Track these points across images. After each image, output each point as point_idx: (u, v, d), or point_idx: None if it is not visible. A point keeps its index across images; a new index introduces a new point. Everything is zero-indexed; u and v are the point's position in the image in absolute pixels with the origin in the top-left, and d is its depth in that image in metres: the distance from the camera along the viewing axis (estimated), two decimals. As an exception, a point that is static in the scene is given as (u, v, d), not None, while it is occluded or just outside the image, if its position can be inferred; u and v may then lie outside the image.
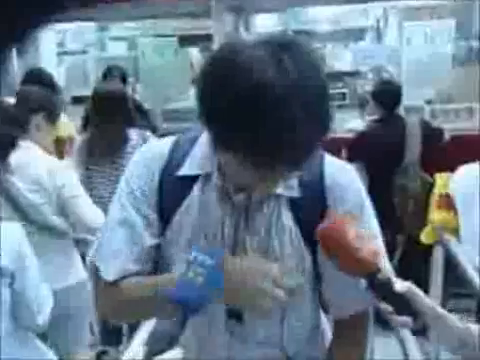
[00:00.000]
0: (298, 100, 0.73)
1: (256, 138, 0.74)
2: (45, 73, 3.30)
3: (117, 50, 5.44)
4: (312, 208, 0.93)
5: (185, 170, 0.95)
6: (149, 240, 0.96)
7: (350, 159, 3.10)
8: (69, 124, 3.16)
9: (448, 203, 2.30)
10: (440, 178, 2.53)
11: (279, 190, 0.93)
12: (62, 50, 5.12)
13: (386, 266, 0.93)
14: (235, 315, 0.96)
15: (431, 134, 3.13)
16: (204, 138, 0.95)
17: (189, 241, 0.95)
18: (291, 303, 0.92)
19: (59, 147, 2.92)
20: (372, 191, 3.10)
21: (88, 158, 2.45)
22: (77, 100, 3.91)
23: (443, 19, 4.34)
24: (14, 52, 4.72)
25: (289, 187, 0.94)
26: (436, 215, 2.45)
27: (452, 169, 2.72)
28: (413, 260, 2.89)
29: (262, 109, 0.73)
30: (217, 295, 0.86)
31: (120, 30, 5.62)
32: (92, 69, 4.51)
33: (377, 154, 3.01)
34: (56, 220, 1.92)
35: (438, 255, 2.39)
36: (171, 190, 0.96)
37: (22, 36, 0.35)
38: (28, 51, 4.80)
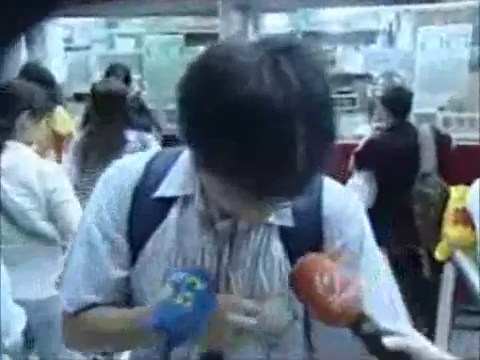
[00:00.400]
0: (299, 116, 0.60)
1: (245, 160, 0.60)
2: (41, 68, 3.23)
3: (125, 47, 5.37)
4: (306, 240, 0.81)
5: (162, 191, 0.83)
6: (115, 271, 0.84)
7: (358, 167, 3.01)
8: (69, 121, 3.10)
9: (464, 218, 2.20)
10: (456, 191, 2.43)
11: (270, 218, 0.80)
12: (68, 46, 5.05)
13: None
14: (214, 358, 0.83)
15: (440, 142, 3.03)
16: (186, 155, 0.83)
17: (163, 272, 0.82)
18: (279, 346, 0.81)
19: (57, 143, 2.85)
20: (383, 200, 3.04)
21: (84, 160, 2.36)
22: (78, 97, 3.84)
23: (458, 23, 4.23)
24: (23, 47, 4.72)
25: (281, 215, 0.81)
26: (451, 231, 2.35)
27: (460, 180, 2.64)
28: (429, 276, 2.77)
29: (255, 125, 0.59)
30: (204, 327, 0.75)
31: (128, 27, 5.56)
32: (96, 66, 4.45)
33: (387, 162, 2.89)
34: (45, 226, 1.82)
35: (449, 272, 2.29)
36: (145, 213, 0.83)
37: (22, 32, 0.35)
38: (35, 46, 4.77)
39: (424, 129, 3.00)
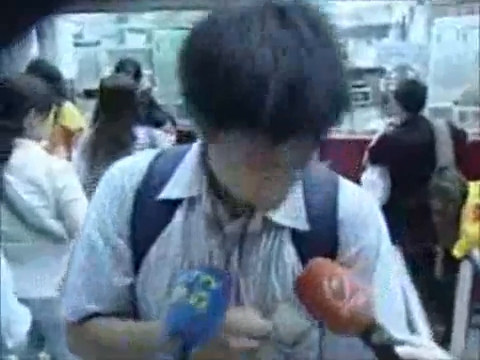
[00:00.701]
0: (312, 59, 0.58)
1: (260, 102, 0.56)
2: (47, 64, 3.22)
3: (136, 42, 5.35)
4: (320, 245, 0.76)
5: (167, 193, 0.77)
6: (118, 279, 0.80)
7: (372, 162, 2.97)
8: (78, 116, 3.08)
9: None
10: (475, 186, 2.37)
11: (281, 219, 0.76)
12: (79, 41, 5.04)
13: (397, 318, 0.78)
14: None
15: (456, 136, 2.97)
16: (190, 156, 0.78)
17: (168, 279, 0.77)
18: (296, 354, 0.77)
19: (67, 139, 2.84)
20: (397, 196, 2.98)
21: (93, 157, 2.33)
22: (89, 93, 3.82)
23: (472, 15, 4.14)
24: (34, 43, 4.72)
25: (294, 217, 0.76)
26: (471, 228, 2.29)
27: (477, 175, 2.58)
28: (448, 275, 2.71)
29: (265, 66, 0.56)
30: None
31: (139, 22, 5.53)
32: (106, 62, 4.43)
33: (401, 158, 2.84)
34: (53, 224, 1.80)
35: (466, 270, 2.24)
36: (148, 216, 0.78)
37: (23, 32, 0.33)
38: (46, 42, 4.77)
39: (439, 124, 2.94)
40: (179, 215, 0.77)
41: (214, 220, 0.76)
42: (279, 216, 0.76)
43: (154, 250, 0.78)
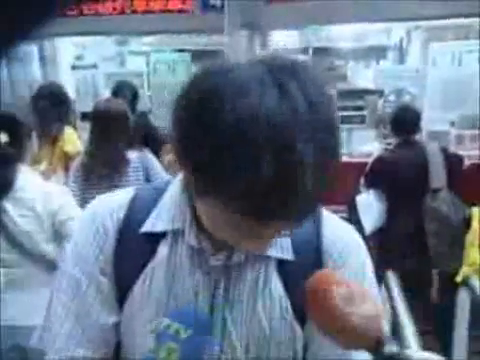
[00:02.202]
0: (304, 137, 0.56)
1: (248, 182, 0.55)
2: (59, 88, 3.24)
3: (136, 65, 5.41)
4: (306, 275, 0.72)
5: (150, 226, 0.76)
6: (104, 317, 0.77)
7: (367, 186, 2.98)
8: (78, 141, 3.09)
9: None
10: (478, 212, 2.36)
11: (267, 250, 0.75)
12: (78, 64, 5.10)
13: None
14: None
15: (450, 160, 2.99)
16: (173, 189, 0.78)
17: (154, 313, 0.75)
18: None
19: (67, 163, 2.85)
20: (394, 219, 2.98)
21: (86, 180, 2.33)
22: (86, 116, 3.84)
23: (469, 40, 4.19)
24: (35, 65, 4.78)
25: (279, 248, 0.75)
26: (477, 256, 2.27)
27: (475, 199, 2.57)
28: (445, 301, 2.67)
29: (257, 143, 0.55)
30: None
31: (138, 45, 5.60)
32: (105, 84, 4.46)
33: (395, 180, 2.86)
34: (48, 250, 1.79)
35: (464, 297, 2.21)
36: (132, 251, 0.76)
37: (23, 36, 0.34)
38: (47, 64, 4.83)
39: (432, 147, 2.97)
40: (163, 248, 0.76)
41: (199, 252, 0.75)
42: None
43: (139, 285, 0.76)
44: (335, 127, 0.61)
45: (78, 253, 0.78)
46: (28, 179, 1.77)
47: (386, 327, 0.64)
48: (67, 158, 2.91)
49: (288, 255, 0.76)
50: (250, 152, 0.55)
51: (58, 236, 1.79)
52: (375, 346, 0.62)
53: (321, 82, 0.61)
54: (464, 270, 2.33)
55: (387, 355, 0.61)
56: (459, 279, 2.33)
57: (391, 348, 0.62)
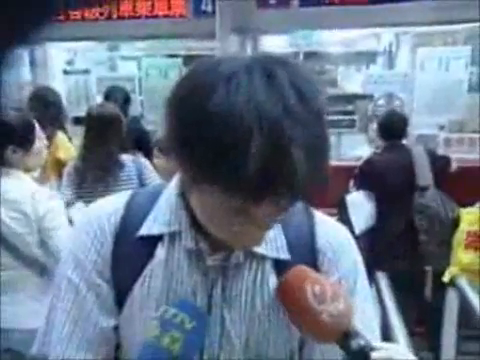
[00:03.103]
0: (294, 118, 0.59)
1: (240, 162, 0.58)
2: (51, 92, 3.23)
3: (127, 70, 5.41)
4: None
5: (147, 229, 0.77)
6: (103, 320, 0.78)
7: (357, 187, 3.04)
8: (70, 146, 3.08)
9: (476, 242, 2.18)
10: (469, 214, 2.41)
11: (264, 250, 0.77)
12: (69, 68, 5.09)
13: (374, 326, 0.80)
14: None
15: (437, 161, 3.06)
16: (168, 192, 0.79)
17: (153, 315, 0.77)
18: None
19: (59, 169, 2.83)
20: (384, 219, 3.04)
21: (80, 185, 2.33)
22: (78, 121, 3.84)
23: (457, 45, 4.26)
24: (26, 69, 4.76)
25: (275, 248, 0.78)
26: (463, 255, 2.32)
27: (462, 201, 2.62)
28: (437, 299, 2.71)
29: (248, 126, 0.58)
30: None
31: (130, 50, 5.60)
32: (96, 89, 4.46)
33: (384, 181, 2.95)
34: (38, 251, 1.79)
35: (453, 298, 2.24)
36: (129, 254, 0.77)
37: (24, 37, 0.34)
38: (38, 68, 4.81)
39: (417, 149, 3.07)
40: (160, 251, 0.77)
41: (196, 254, 0.76)
42: (261, 247, 0.77)
43: (138, 287, 0.77)
44: (323, 114, 0.63)
45: (76, 258, 0.78)
46: (18, 182, 1.78)
47: (355, 323, 0.68)
48: (59, 164, 2.90)
49: (284, 255, 0.78)
50: (241, 135, 0.57)
51: (44, 243, 1.79)
52: (343, 340, 0.67)
53: (309, 75, 0.64)
54: (451, 270, 2.38)
55: (354, 348, 0.66)
56: (446, 279, 2.37)
57: (358, 342, 0.66)
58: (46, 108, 2.97)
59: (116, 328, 0.79)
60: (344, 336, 0.67)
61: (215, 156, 0.59)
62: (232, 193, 0.60)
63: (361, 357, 0.66)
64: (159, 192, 0.80)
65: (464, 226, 2.40)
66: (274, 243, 0.78)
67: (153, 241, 0.77)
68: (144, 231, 0.77)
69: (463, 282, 2.12)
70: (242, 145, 0.57)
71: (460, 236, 2.39)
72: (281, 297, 0.72)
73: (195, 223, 0.75)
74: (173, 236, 0.77)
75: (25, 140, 1.83)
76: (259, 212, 0.63)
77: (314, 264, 0.78)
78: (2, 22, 0.31)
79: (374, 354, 0.65)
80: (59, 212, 1.82)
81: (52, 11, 0.35)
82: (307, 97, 0.61)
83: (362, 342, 0.67)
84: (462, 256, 2.33)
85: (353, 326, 0.68)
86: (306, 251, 0.79)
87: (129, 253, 0.77)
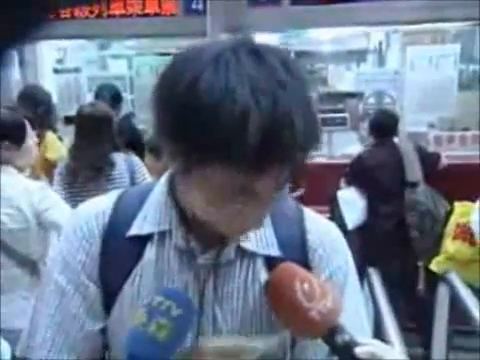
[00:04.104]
0: (289, 92, 0.60)
1: (243, 135, 0.58)
2: (41, 91, 3.20)
3: (117, 68, 5.39)
4: None
5: (136, 229, 0.76)
6: (89, 323, 0.77)
7: (348, 183, 3.07)
8: (60, 146, 3.06)
9: (464, 233, 2.21)
10: (461, 207, 2.45)
11: (254, 247, 0.77)
12: (60, 67, 5.05)
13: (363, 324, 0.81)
14: None
15: (426, 158, 3.10)
16: (157, 191, 0.79)
17: None
18: None
19: (49, 169, 2.81)
20: (375, 215, 3.08)
21: (72, 184, 2.32)
22: (69, 120, 3.81)
23: (445, 44, 4.29)
24: (14, 68, 4.73)
25: (265, 245, 0.78)
26: (450, 245, 2.36)
27: (454, 197, 2.65)
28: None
29: (247, 102, 0.58)
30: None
31: (120, 48, 5.58)
32: (87, 88, 4.44)
33: (374, 177, 2.99)
34: (33, 248, 1.78)
35: (443, 293, 2.27)
36: (118, 255, 0.76)
37: (22, 36, 0.34)
38: (27, 67, 4.77)
39: (406, 146, 3.10)
40: (150, 250, 0.76)
41: (186, 252, 0.76)
42: (251, 244, 0.77)
43: (127, 288, 0.76)
44: (308, 84, 0.65)
45: (64, 260, 0.77)
46: (10, 178, 1.78)
47: (344, 319, 0.69)
48: (49, 164, 2.88)
49: (274, 252, 0.78)
50: (238, 108, 0.58)
51: (44, 234, 1.79)
52: (328, 336, 0.68)
53: (290, 54, 0.67)
54: (438, 259, 2.41)
55: (339, 344, 0.67)
56: (433, 267, 2.41)
57: (343, 337, 0.68)
58: (36, 107, 2.94)
59: (103, 330, 0.79)
60: (329, 332, 0.68)
61: (214, 133, 0.59)
62: (235, 167, 0.60)
63: (345, 352, 0.67)
64: (148, 191, 0.79)
65: (455, 218, 2.45)
66: (264, 240, 0.78)
67: (143, 240, 0.76)
68: (134, 231, 0.77)
69: (453, 277, 2.14)
70: (240, 118, 0.58)
71: (450, 228, 2.44)
72: (270, 294, 0.72)
73: (185, 222, 0.75)
74: (163, 235, 0.76)
75: (17, 137, 1.83)
76: (261, 184, 0.63)
77: (305, 261, 0.78)
78: (2, 22, 0.32)
79: (358, 349, 0.66)
80: (51, 196, 1.85)
81: (51, 9, 0.35)
82: (294, 69, 0.63)
83: (347, 337, 0.68)
84: (449, 246, 2.37)
85: (339, 322, 0.68)
86: (297, 248, 0.79)
87: (118, 253, 0.76)
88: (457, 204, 2.54)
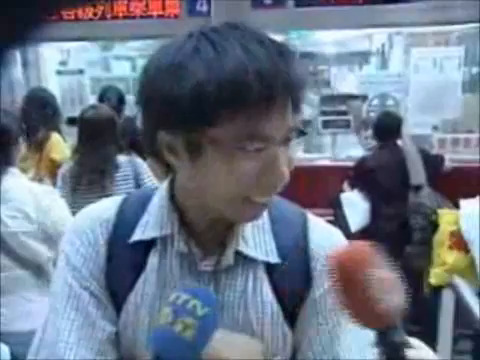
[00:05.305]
0: (275, 53, 0.65)
1: (242, 81, 0.61)
2: (47, 93, 3.21)
3: (121, 70, 5.39)
4: (294, 278, 0.76)
5: (139, 235, 0.76)
6: (106, 326, 0.76)
7: (352, 186, 3.07)
8: (65, 147, 3.06)
9: (459, 242, 2.19)
10: (449, 214, 2.42)
11: (253, 253, 0.76)
12: (63, 69, 5.06)
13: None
14: None
15: (430, 160, 3.09)
16: (159, 195, 0.79)
17: (147, 322, 0.76)
18: None
19: (53, 170, 2.81)
20: (378, 218, 3.07)
21: (75, 187, 2.32)
22: (72, 121, 3.82)
23: (449, 46, 4.28)
24: (18, 69, 4.73)
25: (265, 251, 0.77)
26: (448, 257, 2.33)
27: (457, 200, 2.64)
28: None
29: (244, 56, 0.63)
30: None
31: (123, 50, 5.58)
32: (90, 89, 4.45)
33: (378, 180, 2.99)
34: (38, 250, 1.78)
35: (448, 298, 2.25)
36: (123, 262, 0.76)
37: (22, 36, 0.34)
38: (30, 69, 4.78)
39: (410, 148, 3.09)
40: (153, 256, 0.76)
41: (188, 258, 0.76)
42: (251, 250, 0.76)
43: (133, 294, 0.76)
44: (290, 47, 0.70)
45: (72, 266, 0.77)
46: (16, 180, 1.77)
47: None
48: (54, 165, 2.88)
49: (274, 258, 0.76)
50: (241, 62, 0.62)
51: (49, 238, 1.79)
52: (385, 332, 0.65)
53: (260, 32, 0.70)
54: (436, 271, 2.38)
55: (395, 342, 0.65)
56: (433, 281, 2.39)
57: (401, 336, 0.65)
58: (42, 109, 2.95)
59: (117, 334, 0.78)
60: (387, 328, 0.65)
61: (219, 87, 0.61)
62: (244, 115, 0.62)
63: (397, 352, 0.65)
64: (150, 196, 0.80)
65: (445, 227, 2.41)
66: (264, 246, 0.77)
67: (146, 246, 0.77)
68: (137, 236, 0.77)
69: (459, 281, 2.13)
70: (244, 67, 0.62)
71: (440, 237, 2.41)
72: (340, 273, 0.65)
73: (186, 227, 0.75)
74: (165, 240, 0.76)
75: (18, 138, 1.84)
76: (273, 127, 0.65)
77: (307, 267, 0.77)
78: (2, 22, 0.31)
79: (411, 351, 0.64)
80: (60, 205, 1.84)
81: (51, 9, 0.35)
82: (276, 40, 0.68)
83: (404, 338, 0.66)
84: (447, 257, 2.34)
85: (399, 319, 0.66)
86: (299, 255, 0.77)
87: (123, 260, 0.77)
88: (442, 212, 2.51)
